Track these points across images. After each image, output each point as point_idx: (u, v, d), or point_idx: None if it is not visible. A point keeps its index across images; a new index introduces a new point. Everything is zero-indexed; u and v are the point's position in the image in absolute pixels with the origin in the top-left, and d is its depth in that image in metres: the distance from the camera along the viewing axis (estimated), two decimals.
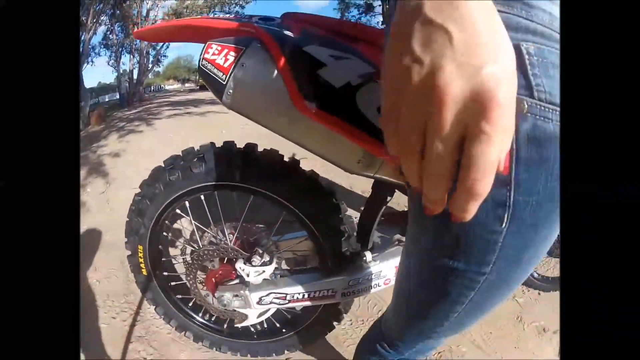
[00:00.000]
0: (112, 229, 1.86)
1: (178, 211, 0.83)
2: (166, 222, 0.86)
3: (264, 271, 0.75)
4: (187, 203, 0.81)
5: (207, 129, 4.47)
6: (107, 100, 13.44)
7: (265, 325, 0.99)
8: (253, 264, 0.75)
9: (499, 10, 0.26)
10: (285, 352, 1.01)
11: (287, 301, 0.76)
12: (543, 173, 0.29)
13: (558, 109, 0.28)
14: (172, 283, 0.97)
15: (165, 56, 13.69)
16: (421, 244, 0.38)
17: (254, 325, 0.95)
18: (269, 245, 0.84)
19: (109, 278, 1.50)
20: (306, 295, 0.75)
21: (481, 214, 0.30)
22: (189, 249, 0.90)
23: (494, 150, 0.19)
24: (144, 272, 0.91)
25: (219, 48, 0.55)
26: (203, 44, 0.57)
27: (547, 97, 0.27)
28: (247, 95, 0.54)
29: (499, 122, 0.19)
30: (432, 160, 0.21)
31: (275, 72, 0.50)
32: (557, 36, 0.29)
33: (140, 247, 0.87)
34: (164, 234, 0.90)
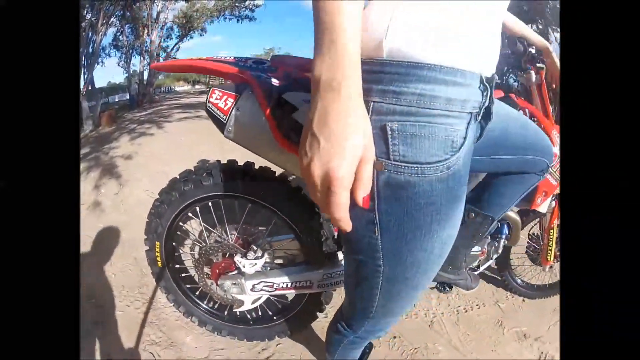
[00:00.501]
0: (127, 228, 2.07)
1: (190, 214, 1.03)
2: (180, 223, 1.06)
3: (256, 264, 0.95)
4: (197, 208, 1.01)
5: (217, 133, 4.64)
6: (117, 100, 13.62)
7: (260, 313, 1.18)
8: (248, 257, 0.96)
9: (375, 101, 0.42)
10: (276, 337, 1.20)
11: (274, 289, 0.96)
12: (400, 206, 0.45)
13: (410, 165, 0.43)
14: (183, 274, 1.17)
15: (175, 58, 13.84)
16: (344, 244, 0.58)
17: (249, 312, 1.15)
18: (263, 244, 1.04)
19: (124, 272, 1.70)
20: (289, 285, 0.95)
21: (362, 227, 0.48)
22: (197, 246, 1.11)
23: (340, 198, 0.37)
24: (160, 264, 1.11)
25: (220, 94, 0.74)
26: (208, 89, 0.77)
27: (401, 158, 0.43)
28: (242, 132, 0.73)
29: (339, 185, 0.36)
30: (316, 200, 0.39)
31: (263, 116, 0.69)
32: (425, 110, 0.42)
33: (157, 243, 1.07)
34: (178, 232, 1.10)
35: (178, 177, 0.99)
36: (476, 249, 1.15)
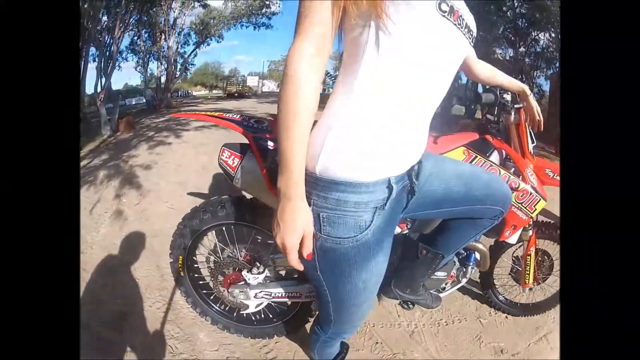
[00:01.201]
0: (149, 237, 2.34)
1: (208, 236, 1.32)
2: (199, 242, 1.36)
3: (258, 277, 1.25)
4: (214, 232, 1.30)
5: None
6: (134, 102, 13.87)
7: (262, 316, 1.47)
8: (252, 272, 1.26)
9: (314, 199, 0.64)
10: (275, 336, 1.49)
11: (271, 297, 1.26)
12: (328, 259, 0.70)
13: (332, 238, 0.66)
14: (200, 282, 1.46)
15: (192, 64, 14.07)
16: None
17: (253, 314, 1.44)
18: (266, 261, 1.32)
19: (147, 277, 1.98)
20: (283, 294, 1.25)
21: (310, 267, 0.73)
22: (213, 261, 1.41)
23: (291, 255, 0.62)
24: (182, 273, 1.41)
25: (229, 154, 1.03)
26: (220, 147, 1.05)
27: (327, 234, 0.66)
28: (246, 183, 1.02)
29: (291, 249, 0.62)
30: (281, 250, 0.66)
31: (260, 173, 0.97)
32: (341, 208, 0.64)
33: (180, 257, 1.36)
34: (197, 249, 1.40)
35: (198, 207, 1.29)
36: (441, 274, 1.34)
